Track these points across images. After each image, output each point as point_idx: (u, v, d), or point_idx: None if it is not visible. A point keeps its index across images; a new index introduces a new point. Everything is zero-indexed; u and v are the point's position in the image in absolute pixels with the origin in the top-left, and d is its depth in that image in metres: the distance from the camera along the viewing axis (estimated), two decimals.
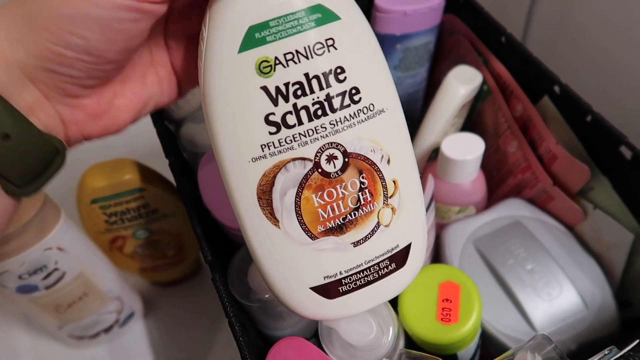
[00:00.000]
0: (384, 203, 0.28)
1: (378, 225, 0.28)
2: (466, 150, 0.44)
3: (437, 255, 0.47)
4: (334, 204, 0.27)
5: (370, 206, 0.28)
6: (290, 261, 0.28)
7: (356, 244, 0.28)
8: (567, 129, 0.43)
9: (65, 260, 0.44)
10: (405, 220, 0.29)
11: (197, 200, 0.40)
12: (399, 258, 0.29)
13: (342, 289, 0.29)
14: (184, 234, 0.53)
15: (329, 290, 0.28)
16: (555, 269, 0.42)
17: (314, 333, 0.41)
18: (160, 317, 0.59)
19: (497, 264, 0.43)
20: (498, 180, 0.51)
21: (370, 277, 0.29)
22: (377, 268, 0.29)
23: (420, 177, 0.46)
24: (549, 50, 0.65)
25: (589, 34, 0.59)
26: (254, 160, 0.26)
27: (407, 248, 0.30)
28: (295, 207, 0.27)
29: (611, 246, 0.42)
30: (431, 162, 0.50)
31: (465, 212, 0.48)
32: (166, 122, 0.48)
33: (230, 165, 0.26)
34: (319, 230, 0.27)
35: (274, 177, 0.26)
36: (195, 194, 0.40)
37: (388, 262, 0.29)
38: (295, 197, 0.27)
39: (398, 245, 0.29)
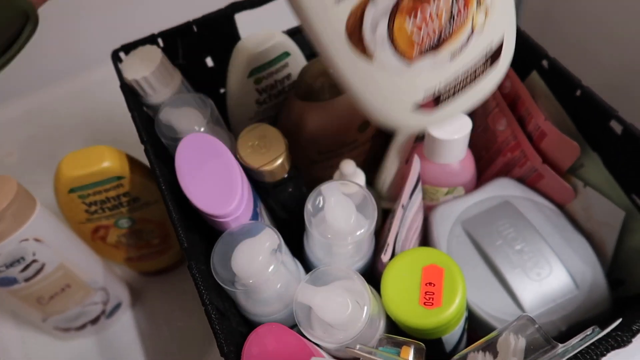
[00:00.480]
0: (477, 5, 0.28)
1: (472, 31, 0.29)
2: (453, 130, 0.42)
3: (425, 237, 0.46)
4: (429, 23, 0.27)
5: (464, 13, 0.28)
6: (389, 88, 0.29)
7: (453, 56, 0.29)
8: (556, 105, 0.42)
9: (44, 252, 0.43)
10: (497, 16, 0.30)
11: (176, 187, 0.38)
12: (493, 55, 0.31)
13: (441, 98, 0.30)
14: (168, 223, 0.52)
15: (429, 104, 0.30)
16: (544, 249, 0.41)
17: None
18: (149, 307, 0.58)
19: (486, 245, 0.41)
20: (487, 160, 0.50)
21: (468, 81, 0.31)
22: (474, 71, 0.30)
23: (406, 160, 0.45)
24: (543, 21, 0.63)
25: (584, 3, 0.57)
26: (338, 1, 0.26)
27: (500, 43, 0.31)
28: (389, 37, 0.27)
29: (602, 224, 0.40)
30: (418, 142, 0.49)
31: (454, 193, 0.47)
32: (145, 108, 0.46)
33: (316, 13, 0.27)
34: (414, 54, 0.28)
35: (362, 12, 0.26)
36: (174, 181, 0.39)
37: (483, 63, 0.30)
38: (388, 26, 0.27)
39: (492, 42, 0.30)
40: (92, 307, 0.52)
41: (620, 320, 0.27)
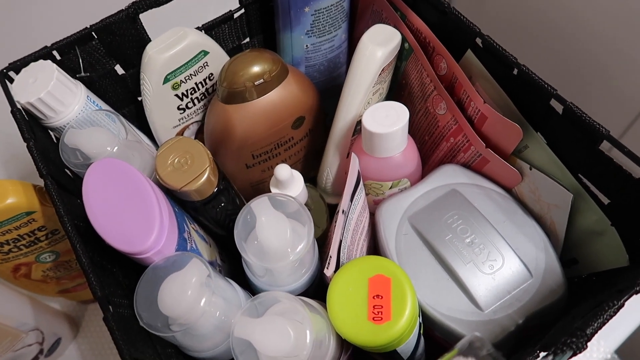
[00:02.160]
0: None
1: None
2: (389, 122, 0.39)
3: (373, 236, 0.44)
4: None
5: None
6: None
7: None
8: (495, 86, 0.39)
9: None
10: None
11: (88, 222, 0.34)
12: None
13: None
14: None
15: None
16: (495, 239, 0.39)
17: None
18: (93, 337, 0.54)
19: (435, 240, 0.39)
20: (431, 146, 0.47)
21: None
22: None
23: (347, 154, 0.42)
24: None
25: None
26: None
27: None
28: None
29: (551, 206, 0.39)
30: (357, 135, 0.46)
31: (399, 185, 0.44)
32: (50, 132, 0.41)
33: None
34: None
35: None
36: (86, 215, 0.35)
37: None
38: None
39: None
40: (26, 349, 0.48)
41: (569, 353, 0.25)
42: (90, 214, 0.32)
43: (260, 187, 0.49)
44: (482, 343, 0.25)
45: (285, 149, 0.47)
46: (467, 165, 0.44)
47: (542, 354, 0.23)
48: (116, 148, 0.37)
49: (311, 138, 0.48)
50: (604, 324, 0.26)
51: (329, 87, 0.52)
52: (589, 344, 0.48)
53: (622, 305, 0.27)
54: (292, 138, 0.46)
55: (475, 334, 0.25)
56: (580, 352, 0.26)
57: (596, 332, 0.26)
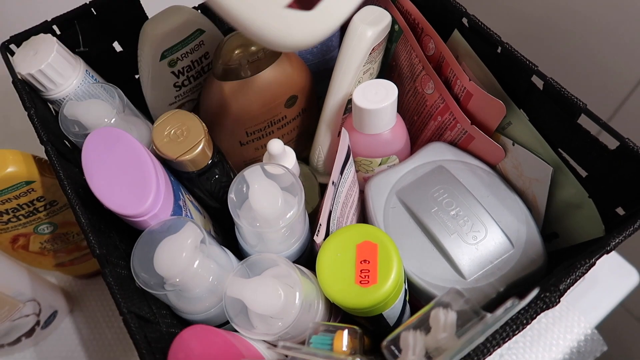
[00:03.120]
0: None
1: None
2: (379, 98, 0.41)
3: (362, 211, 0.45)
4: None
5: None
6: None
7: None
8: (480, 64, 0.41)
9: None
10: None
11: (87, 189, 0.35)
12: None
13: None
14: None
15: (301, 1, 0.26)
16: (479, 211, 0.40)
17: None
18: (88, 312, 0.55)
19: (421, 213, 0.41)
20: (420, 125, 0.49)
21: None
22: None
23: (338, 133, 0.43)
24: None
25: None
26: None
27: None
28: None
29: (533, 180, 0.40)
30: (348, 114, 0.47)
31: (388, 162, 0.46)
32: (49, 104, 0.43)
33: None
34: None
35: None
36: (84, 182, 0.36)
37: None
38: None
39: None
40: (23, 320, 0.49)
41: (537, 290, 0.26)
42: (89, 178, 0.34)
43: (254, 162, 0.50)
44: (460, 295, 0.26)
45: (278, 128, 0.48)
46: (453, 143, 0.45)
47: (516, 302, 0.25)
48: (113, 120, 0.39)
49: (304, 118, 0.50)
50: (576, 280, 0.28)
51: (321, 70, 0.54)
52: (570, 319, 0.50)
53: (594, 263, 0.28)
54: (285, 117, 0.48)
55: (454, 287, 0.27)
56: (553, 306, 0.27)
57: (569, 287, 0.28)
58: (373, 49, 0.44)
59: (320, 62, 0.54)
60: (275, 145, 0.40)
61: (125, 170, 0.34)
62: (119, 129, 0.35)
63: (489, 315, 0.25)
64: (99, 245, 0.31)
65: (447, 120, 0.44)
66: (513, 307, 0.24)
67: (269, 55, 0.43)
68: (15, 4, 0.65)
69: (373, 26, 0.42)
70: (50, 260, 0.51)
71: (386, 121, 0.43)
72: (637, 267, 0.52)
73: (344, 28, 0.50)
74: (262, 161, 0.43)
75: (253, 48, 0.41)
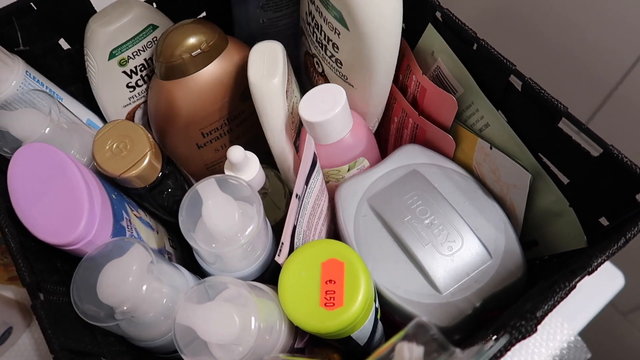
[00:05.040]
0: None
1: None
2: (327, 106, 0.37)
3: (332, 220, 0.43)
4: None
5: None
6: None
7: None
8: (456, 61, 0.38)
9: None
10: None
11: None
12: None
13: None
14: None
15: None
16: (455, 219, 0.38)
17: None
18: None
19: (394, 222, 0.38)
20: (385, 130, 0.46)
21: None
22: None
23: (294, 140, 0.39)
24: None
25: None
26: None
27: None
28: None
29: (511, 186, 0.38)
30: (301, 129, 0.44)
31: (357, 166, 0.43)
32: None
33: None
34: None
35: None
36: None
37: None
38: None
39: None
40: None
41: (507, 337, 0.24)
42: (15, 203, 0.30)
43: (217, 168, 0.47)
44: (427, 327, 0.24)
45: (237, 124, 0.45)
46: (412, 141, 0.43)
47: (494, 337, 0.22)
48: (48, 129, 0.35)
49: None
50: (554, 306, 0.25)
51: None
52: (553, 326, 0.48)
53: (574, 286, 0.26)
54: (243, 112, 0.44)
55: (420, 318, 0.24)
56: (529, 336, 0.25)
57: (546, 314, 0.25)
58: (287, 90, 0.40)
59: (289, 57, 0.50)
60: (235, 153, 0.37)
61: (55, 194, 0.31)
62: (48, 145, 0.32)
63: (457, 350, 0.23)
64: (29, 273, 0.28)
65: (401, 118, 0.42)
66: (485, 352, 0.21)
67: (213, 47, 0.39)
68: None
69: (273, 73, 0.37)
70: (2, 274, 0.48)
71: (342, 126, 0.39)
72: (622, 269, 0.50)
73: None
74: (224, 164, 0.40)
75: (194, 41, 0.38)
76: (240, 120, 0.44)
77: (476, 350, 0.22)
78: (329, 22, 0.38)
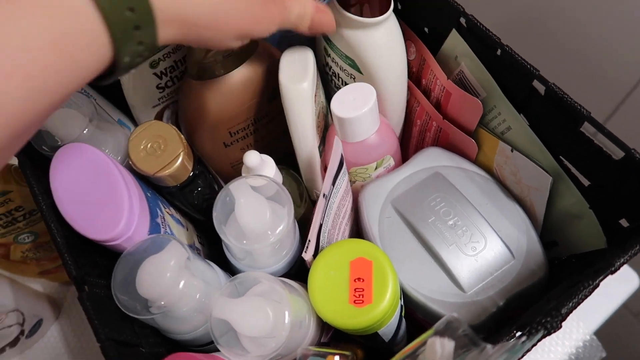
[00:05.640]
0: None
1: None
2: (359, 103, 0.38)
3: (356, 221, 0.44)
4: None
5: None
6: None
7: None
8: (479, 66, 0.39)
9: None
10: None
11: None
12: None
13: None
14: None
15: None
16: (478, 220, 0.39)
17: None
18: (75, 319, 0.54)
19: (418, 223, 0.39)
20: (406, 136, 0.47)
21: None
22: None
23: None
24: None
25: None
26: None
27: None
28: None
29: (531, 189, 0.39)
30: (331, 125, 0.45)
31: (384, 164, 0.44)
32: None
33: None
34: None
35: None
36: None
37: None
38: None
39: None
40: (6, 330, 0.47)
41: (543, 332, 0.25)
42: (59, 201, 0.32)
43: (241, 168, 0.48)
44: (458, 323, 0.25)
45: (262, 125, 0.46)
46: (435, 144, 0.44)
47: (518, 334, 0.23)
48: (87, 130, 0.36)
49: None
50: (578, 303, 0.26)
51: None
52: (569, 325, 0.49)
53: (597, 285, 0.27)
54: (269, 113, 0.45)
55: (452, 315, 0.25)
56: (554, 332, 0.26)
57: (571, 311, 0.26)
58: (315, 95, 0.41)
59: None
60: (252, 158, 0.37)
61: (96, 192, 0.32)
62: (88, 145, 0.33)
63: (488, 346, 0.24)
64: (75, 266, 0.29)
65: (424, 121, 0.43)
66: (518, 347, 0.22)
67: (244, 50, 0.40)
68: None
69: (303, 78, 0.38)
70: (34, 268, 0.50)
71: (371, 124, 0.40)
72: (637, 270, 0.51)
73: None
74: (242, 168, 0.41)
75: None
76: (266, 121, 0.45)
77: (511, 344, 0.23)
78: (344, 70, 0.42)
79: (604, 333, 0.49)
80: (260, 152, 0.38)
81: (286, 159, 0.45)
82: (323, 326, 0.37)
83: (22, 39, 0.20)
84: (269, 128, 0.47)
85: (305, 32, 0.34)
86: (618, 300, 0.50)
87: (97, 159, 0.32)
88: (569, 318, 0.49)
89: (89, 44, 0.22)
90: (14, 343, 0.49)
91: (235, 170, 0.49)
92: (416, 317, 0.40)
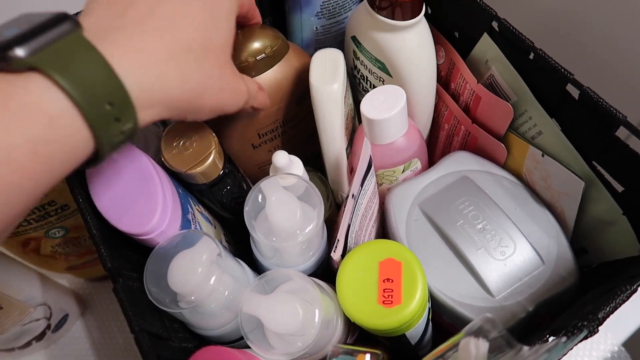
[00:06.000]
0: None
1: None
2: (388, 105, 0.38)
3: (382, 223, 0.44)
4: None
5: None
6: None
7: None
8: (510, 70, 0.39)
9: None
10: None
11: None
12: None
13: None
14: None
15: None
16: (507, 225, 0.38)
17: None
18: (100, 315, 0.54)
19: (446, 226, 0.39)
20: (434, 138, 0.47)
21: None
22: None
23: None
24: None
25: None
26: None
27: None
28: None
29: (562, 194, 0.38)
30: (359, 126, 0.45)
31: (411, 167, 0.44)
32: None
33: None
34: None
35: None
36: None
37: None
38: None
39: None
40: (33, 324, 0.48)
41: (584, 333, 0.24)
42: (94, 195, 0.32)
43: (267, 169, 0.48)
44: (493, 324, 0.24)
45: (290, 127, 0.46)
46: (462, 148, 0.44)
47: (552, 338, 0.23)
48: None
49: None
50: (616, 308, 0.26)
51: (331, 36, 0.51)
52: (597, 335, 0.48)
53: (635, 290, 0.27)
54: (297, 115, 0.45)
55: (486, 315, 0.25)
56: (591, 336, 0.25)
57: (608, 316, 0.26)
58: (344, 97, 0.41)
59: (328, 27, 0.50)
60: (281, 158, 0.38)
61: (131, 186, 0.32)
62: None
63: (525, 348, 0.24)
64: (110, 258, 0.30)
65: (452, 125, 0.43)
66: (559, 347, 0.22)
67: (277, 53, 0.41)
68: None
69: (334, 79, 0.39)
70: (62, 263, 0.51)
71: (400, 126, 0.40)
72: None
73: None
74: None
75: (259, 45, 0.39)
76: (294, 123, 0.46)
77: (552, 344, 0.22)
78: (373, 73, 0.43)
79: (632, 344, 0.48)
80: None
81: (311, 161, 0.46)
82: (349, 327, 0.37)
83: (3, 150, 0.21)
84: (297, 130, 0.47)
85: (248, 109, 0.37)
86: None
87: (132, 154, 0.33)
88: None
89: (71, 145, 0.23)
90: (40, 337, 0.50)
91: (261, 172, 0.49)
92: (442, 322, 0.40)
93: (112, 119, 0.23)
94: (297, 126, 0.47)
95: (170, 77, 0.26)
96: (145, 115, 0.26)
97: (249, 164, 0.48)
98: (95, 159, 0.25)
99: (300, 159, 0.41)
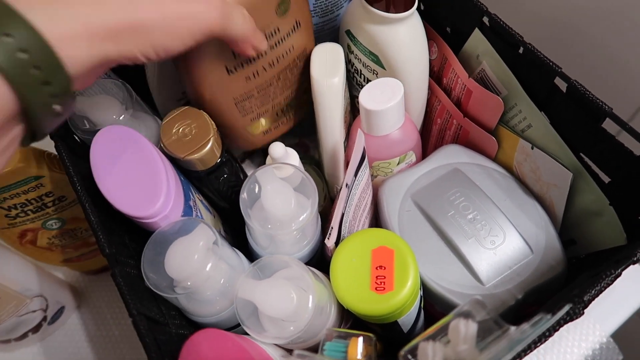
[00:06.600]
0: None
1: None
2: (386, 97, 0.39)
3: (376, 214, 0.44)
4: None
5: None
6: None
7: None
8: (501, 64, 0.40)
9: None
10: None
11: (96, 186, 0.35)
12: None
13: None
14: None
15: None
16: (497, 215, 0.39)
17: None
18: (95, 308, 0.55)
19: (437, 216, 0.40)
20: (427, 132, 0.48)
21: None
22: None
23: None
24: None
25: None
26: None
27: None
28: None
29: (551, 186, 0.39)
30: (356, 118, 0.46)
31: (406, 159, 0.45)
32: None
33: None
34: None
35: None
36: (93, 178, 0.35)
37: None
38: None
39: None
40: (30, 315, 0.48)
41: (569, 306, 0.25)
42: (98, 179, 0.33)
43: (247, 107, 0.42)
44: (482, 306, 0.25)
45: (271, 46, 0.39)
46: (455, 142, 0.45)
47: (547, 317, 0.24)
48: (122, 117, 0.38)
49: (301, 36, 0.41)
50: (600, 291, 0.27)
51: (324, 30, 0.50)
52: (585, 327, 0.49)
53: (619, 274, 0.27)
54: (278, 30, 0.38)
55: (476, 297, 0.26)
56: (576, 318, 0.26)
57: (593, 299, 0.27)
58: (344, 90, 0.42)
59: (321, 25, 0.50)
60: (277, 149, 0.38)
61: (135, 171, 0.33)
62: (127, 127, 0.34)
63: (512, 328, 0.25)
64: (108, 244, 0.30)
65: (445, 120, 0.44)
66: (543, 322, 0.23)
67: None
68: None
69: (334, 73, 0.40)
70: (58, 255, 0.51)
71: (397, 119, 0.41)
72: None
73: None
74: (256, 101, 0.40)
75: None
76: (276, 40, 0.39)
77: (530, 324, 0.23)
78: (367, 66, 0.43)
79: (621, 336, 0.49)
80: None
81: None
82: (343, 315, 0.38)
83: None
84: (278, 53, 0.40)
85: (230, 37, 0.31)
86: (635, 303, 0.50)
87: (137, 140, 0.33)
88: (585, 320, 0.50)
89: None
90: (36, 329, 0.50)
91: (240, 111, 0.42)
92: (433, 312, 0.40)
93: (38, 83, 0.22)
94: (277, 47, 0.39)
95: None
96: (82, 63, 0.23)
97: (224, 97, 0.40)
98: (33, 128, 0.24)
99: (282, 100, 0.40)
